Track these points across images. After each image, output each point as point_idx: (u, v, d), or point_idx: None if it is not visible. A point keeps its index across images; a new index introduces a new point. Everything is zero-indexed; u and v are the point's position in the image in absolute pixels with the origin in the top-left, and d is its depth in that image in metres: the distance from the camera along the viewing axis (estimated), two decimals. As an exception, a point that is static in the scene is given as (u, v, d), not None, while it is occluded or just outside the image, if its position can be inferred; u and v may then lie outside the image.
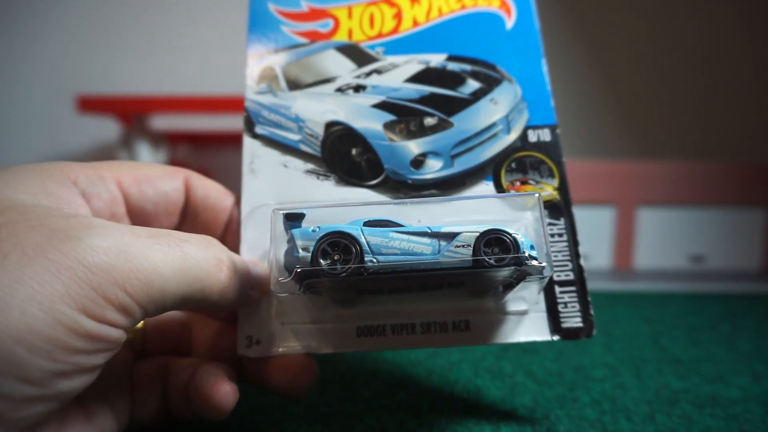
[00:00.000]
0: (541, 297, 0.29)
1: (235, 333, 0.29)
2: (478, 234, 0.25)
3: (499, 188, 0.31)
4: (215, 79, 1.07)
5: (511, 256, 0.25)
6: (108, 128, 0.98)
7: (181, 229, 0.30)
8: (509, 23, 0.35)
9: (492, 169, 0.31)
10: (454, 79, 0.33)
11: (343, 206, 0.27)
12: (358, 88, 0.33)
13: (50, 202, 0.24)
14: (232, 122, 0.97)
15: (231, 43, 1.09)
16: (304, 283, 0.25)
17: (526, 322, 0.29)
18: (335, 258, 0.25)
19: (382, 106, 0.33)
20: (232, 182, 0.33)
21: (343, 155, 0.32)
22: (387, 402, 0.33)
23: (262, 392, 0.33)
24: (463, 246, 0.25)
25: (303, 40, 0.35)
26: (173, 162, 0.99)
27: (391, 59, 0.34)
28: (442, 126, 0.32)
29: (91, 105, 0.83)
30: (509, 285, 0.27)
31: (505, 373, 0.37)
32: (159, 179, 0.29)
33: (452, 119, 0.32)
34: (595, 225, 0.81)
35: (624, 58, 1.01)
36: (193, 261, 0.23)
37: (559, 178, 0.31)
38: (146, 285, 0.21)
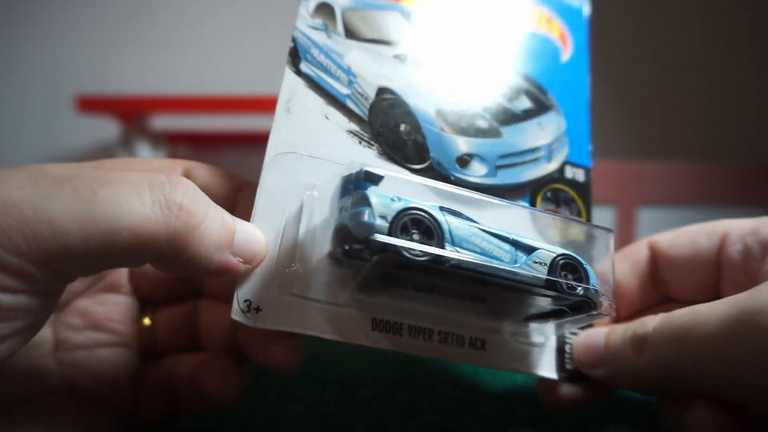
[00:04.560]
0: (552, 333, 0.28)
1: (242, 330, 0.28)
2: (555, 255, 0.24)
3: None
4: (215, 79, 1.07)
5: (585, 286, 0.24)
6: (108, 128, 0.98)
7: None
8: (565, 55, 0.34)
9: (530, 192, 0.31)
10: (510, 91, 0.32)
11: (429, 185, 0.25)
12: (420, 65, 0.31)
13: None
14: (233, 122, 0.97)
15: (231, 43, 1.09)
16: (377, 258, 0.21)
17: (538, 355, 0.28)
18: (414, 238, 0.22)
19: (439, 90, 0.30)
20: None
21: (391, 128, 0.29)
22: (387, 402, 0.33)
23: (262, 392, 0.33)
24: (541, 263, 0.24)
25: None
26: (173, 162, 0.99)
27: (462, 47, 0.32)
28: (492, 132, 0.31)
29: (91, 105, 0.83)
30: (554, 314, 0.26)
31: (506, 373, 0.37)
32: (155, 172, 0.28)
33: (502, 129, 0.31)
34: (595, 225, 0.81)
35: (624, 58, 1.01)
36: (113, 207, 0.19)
37: (586, 220, 0.31)
38: (37, 240, 0.18)
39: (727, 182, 0.81)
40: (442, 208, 0.24)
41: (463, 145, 0.30)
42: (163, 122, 0.94)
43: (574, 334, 0.29)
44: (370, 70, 0.29)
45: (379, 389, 0.34)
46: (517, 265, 0.24)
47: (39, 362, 0.25)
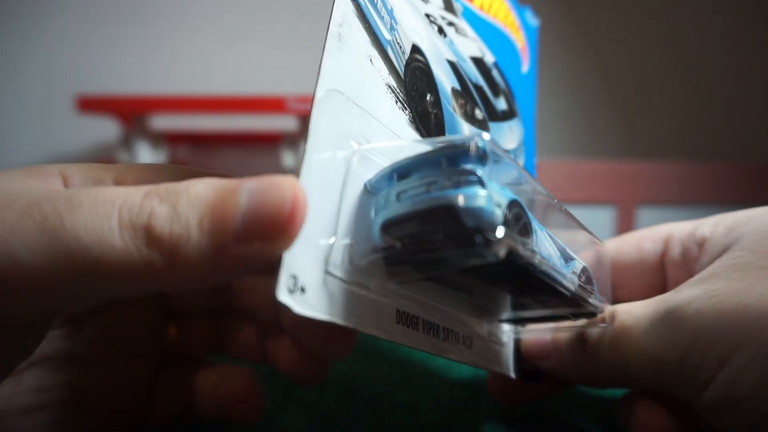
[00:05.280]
0: (511, 334, 0.29)
1: (272, 344, 0.27)
2: (583, 266, 0.24)
3: None
4: (215, 79, 1.07)
5: (601, 297, 0.24)
6: (108, 128, 0.98)
7: None
8: (524, 67, 0.34)
9: None
10: (495, 89, 0.32)
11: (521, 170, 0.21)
12: (441, 31, 0.28)
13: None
14: (233, 122, 0.97)
15: (231, 43, 1.09)
16: (498, 261, 0.17)
17: (506, 355, 0.29)
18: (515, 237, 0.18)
19: (454, 67, 0.28)
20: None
21: (420, 94, 0.25)
22: (387, 402, 0.33)
23: (262, 393, 0.33)
24: (575, 274, 0.24)
25: None
26: (173, 162, 0.99)
27: (465, 26, 0.30)
28: (484, 126, 0.30)
29: (91, 105, 0.83)
30: (552, 317, 0.27)
31: (505, 373, 0.37)
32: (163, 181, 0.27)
33: (490, 125, 0.30)
34: (595, 225, 0.81)
35: (624, 58, 1.01)
36: (78, 242, 0.16)
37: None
38: (3, 280, 0.16)
39: (727, 182, 0.81)
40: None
41: (466, 132, 0.28)
42: (163, 122, 0.94)
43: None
44: (408, 21, 0.25)
45: (379, 389, 0.34)
46: (565, 273, 0.22)
47: (49, 375, 0.24)
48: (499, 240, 0.16)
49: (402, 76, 0.24)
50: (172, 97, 0.84)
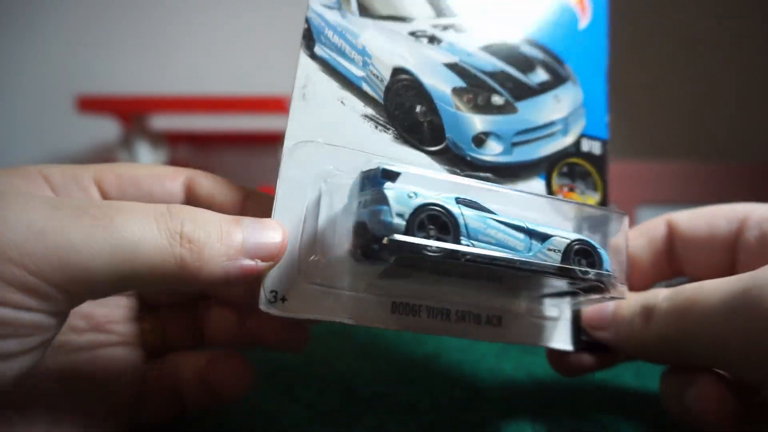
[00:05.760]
0: (568, 307, 0.29)
1: (252, 322, 0.29)
2: (569, 241, 0.25)
3: (550, 189, 0.30)
4: (215, 79, 1.07)
5: (597, 271, 0.25)
6: (108, 128, 0.98)
7: None
8: (583, 22, 0.33)
9: (545, 168, 0.30)
10: (525, 63, 0.31)
11: (446, 179, 0.25)
12: (433, 40, 0.30)
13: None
14: (233, 122, 0.97)
15: (231, 43, 1.09)
16: (395, 257, 0.22)
17: (553, 329, 0.29)
18: (431, 234, 0.22)
19: (454, 67, 0.30)
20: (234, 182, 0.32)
21: (406, 110, 0.28)
22: (387, 402, 0.33)
23: (263, 392, 0.33)
24: (555, 250, 0.25)
25: None
26: (173, 162, 0.99)
27: (468, 19, 0.31)
28: (507, 109, 0.30)
29: (91, 105, 0.83)
30: (569, 294, 0.27)
31: (505, 373, 0.37)
32: (147, 179, 0.28)
33: (518, 105, 0.30)
34: (595, 225, 0.81)
35: (624, 58, 1.01)
36: (130, 235, 0.20)
37: (602, 193, 0.30)
38: (61, 265, 0.19)
39: (727, 182, 0.81)
40: (458, 200, 0.24)
41: (478, 123, 0.29)
42: (163, 122, 0.94)
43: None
44: (385, 49, 0.28)
45: (379, 389, 0.34)
46: (531, 254, 0.24)
47: (38, 365, 0.25)
48: (384, 245, 0.21)
49: (382, 101, 0.28)
50: (172, 97, 0.84)
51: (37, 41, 1.04)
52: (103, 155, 1.02)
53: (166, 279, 0.21)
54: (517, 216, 0.25)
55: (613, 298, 0.26)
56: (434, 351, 0.41)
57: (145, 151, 0.85)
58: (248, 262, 0.23)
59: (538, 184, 0.30)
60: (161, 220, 0.21)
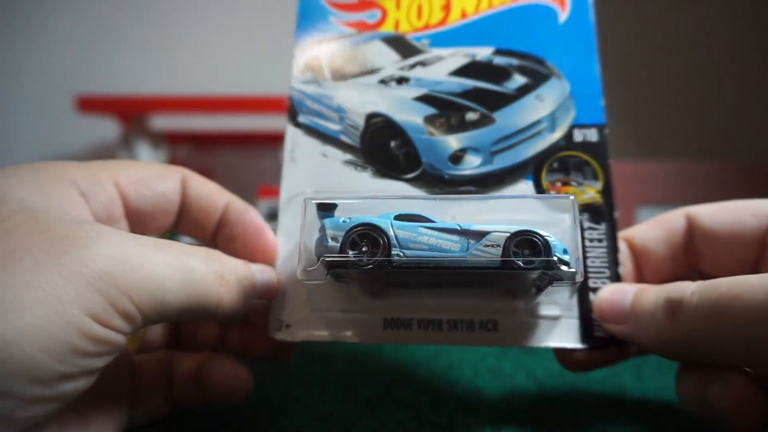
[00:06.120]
0: (575, 303, 0.28)
1: (239, 329, 0.32)
2: (509, 234, 0.25)
3: (539, 188, 0.30)
4: (215, 79, 1.07)
5: (540, 259, 0.24)
6: (108, 128, 0.98)
7: (177, 228, 0.31)
8: (562, 16, 0.34)
9: (533, 168, 0.30)
10: (499, 74, 0.32)
11: (375, 198, 0.28)
12: (401, 81, 0.33)
13: (53, 204, 0.24)
14: (233, 122, 0.97)
15: (231, 43, 1.09)
16: (331, 272, 0.26)
17: (556, 328, 0.28)
18: (363, 249, 0.26)
19: (424, 99, 0.32)
20: (232, 181, 0.33)
21: (381, 147, 0.32)
22: (387, 402, 0.33)
23: (263, 393, 0.33)
24: (493, 245, 0.25)
25: (350, 30, 0.35)
26: (173, 162, 0.99)
27: (437, 52, 0.33)
28: (483, 122, 0.31)
29: (91, 105, 0.83)
30: (539, 288, 0.27)
31: (505, 373, 0.37)
32: (155, 180, 0.29)
33: (495, 115, 0.31)
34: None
35: (624, 58, 1.01)
36: (195, 274, 0.24)
37: (603, 180, 0.30)
38: (150, 295, 0.22)
39: (727, 182, 0.81)
40: (398, 216, 0.26)
41: (454, 142, 0.31)
42: (163, 122, 0.94)
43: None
44: (358, 101, 0.32)
45: (379, 389, 0.34)
46: (468, 252, 0.25)
47: None
48: (321, 263, 0.26)
49: (359, 145, 0.32)
50: (172, 97, 0.84)
51: (37, 41, 1.04)
52: (103, 155, 1.02)
53: (207, 312, 0.25)
54: (493, 220, 0.26)
55: (575, 284, 0.25)
56: (434, 351, 0.41)
57: (145, 151, 0.85)
58: (257, 302, 0.28)
59: (524, 186, 0.30)
60: (210, 263, 0.25)
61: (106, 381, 0.26)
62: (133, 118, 0.85)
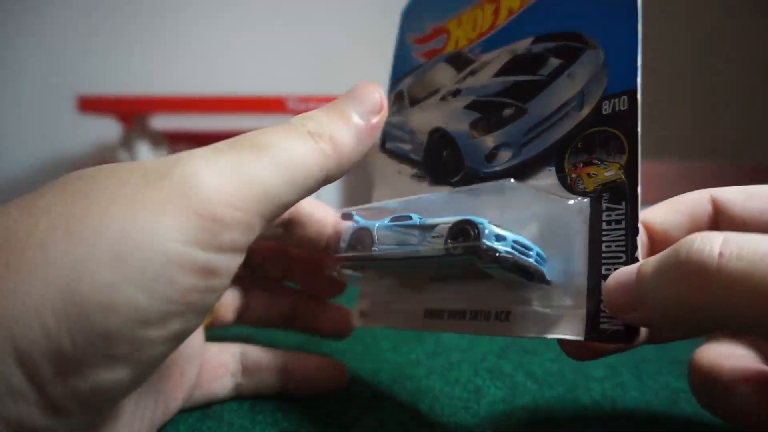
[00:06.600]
0: (584, 293, 0.26)
1: (281, 302, 0.36)
2: (450, 225, 0.26)
3: (561, 173, 0.28)
4: (215, 79, 1.07)
5: (463, 244, 0.25)
6: (108, 128, 0.98)
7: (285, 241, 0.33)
8: None
9: (555, 154, 0.29)
10: (535, 62, 0.31)
11: (381, 206, 0.32)
12: (456, 93, 0.34)
13: None
14: (233, 122, 0.97)
15: (231, 43, 1.09)
16: (340, 266, 0.31)
17: (564, 319, 0.26)
18: (358, 248, 0.30)
19: (471, 105, 0.33)
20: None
21: (437, 158, 0.34)
22: (387, 402, 0.33)
23: (262, 393, 0.33)
24: (438, 236, 0.27)
25: (424, 60, 0.38)
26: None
27: (485, 57, 0.34)
28: (517, 115, 0.31)
29: (91, 105, 0.83)
30: (526, 278, 0.26)
31: (505, 373, 0.37)
32: None
33: (527, 105, 0.30)
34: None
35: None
36: (283, 153, 0.23)
37: (628, 153, 0.27)
38: (254, 195, 0.21)
39: (727, 182, 0.81)
40: (391, 219, 0.30)
41: (490, 141, 0.32)
42: (163, 122, 0.94)
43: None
44: (423, 121, 0.36)
45: (379, 389, 0.34)
46: (419, 245, 0.28)
47: None
48: (332, 260, 0.32)
49: (422, 159, 0.35)
50: (172, 97, 0.84)
51: (38, 41, 1.04)
52: (103, 155, 1.02)
53: (321, 174, 0.24)
54: (485, 215, 0.27)
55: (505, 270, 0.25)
56: (434, 351, 0.41)
57: (145, 151, 0.85)
58: (369, 123, 0.27)
59: (547, 175, 0.29)
60: (292, 129, 0.24)
61: (179, 357, 0.29)
62: (133, 118, 0.85)
